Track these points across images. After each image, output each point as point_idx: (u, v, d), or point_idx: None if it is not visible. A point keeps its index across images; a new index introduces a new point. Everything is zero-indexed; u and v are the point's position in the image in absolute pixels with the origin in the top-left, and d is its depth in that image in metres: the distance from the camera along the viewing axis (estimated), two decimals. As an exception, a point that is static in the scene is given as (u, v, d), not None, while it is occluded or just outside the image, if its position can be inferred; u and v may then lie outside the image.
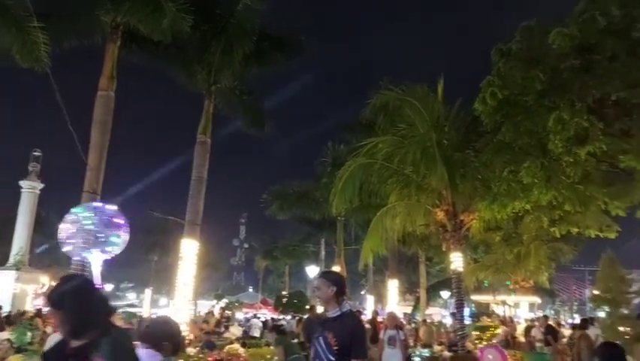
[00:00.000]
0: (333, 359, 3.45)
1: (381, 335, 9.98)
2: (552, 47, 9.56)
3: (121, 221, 7.45)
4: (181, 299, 12.10)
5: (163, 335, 2.92)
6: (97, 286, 2.31)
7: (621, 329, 14.39)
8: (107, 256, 7.39)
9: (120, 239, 7.38)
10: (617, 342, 7.08)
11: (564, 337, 16.00)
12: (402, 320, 22.35)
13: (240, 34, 13.14)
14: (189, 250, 12.34)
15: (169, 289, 31.18)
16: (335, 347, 3.45)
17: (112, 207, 7.54)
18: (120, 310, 21.64)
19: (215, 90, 13.91)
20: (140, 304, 39.32)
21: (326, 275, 3.90)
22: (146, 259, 37.28)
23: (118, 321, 13.84)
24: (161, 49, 13.13)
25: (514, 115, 10.45)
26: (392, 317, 10.26)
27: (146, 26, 10.90)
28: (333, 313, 3.64)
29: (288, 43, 14.73)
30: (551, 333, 13.33)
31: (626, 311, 16.22)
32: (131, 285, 50.29)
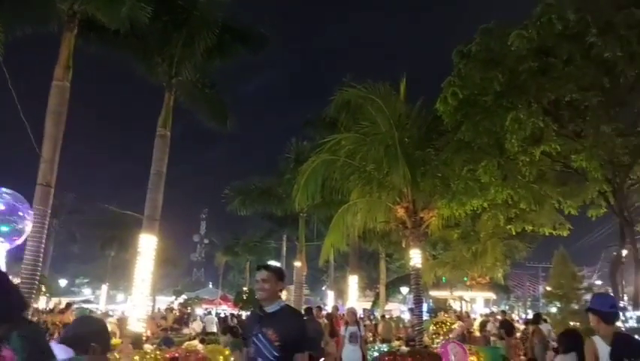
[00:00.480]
0: (277, 354, 3.37)
1: (342, 332, 9.88)
2: (511, 49, 9.82)
3: (21, 207, 7.11)
4: (138, 295, 11.84)
5: (89, 336, 2.63)
6: (9, 279, 2.18)
7: (572, 323, 14.97)
8: (8, 246, 7.04)
9: (17, 227, 7.03)
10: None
11: (518, 331, 16.52)
12: (361, 315, 22.61)
13: (202, 26, 12.91)
14: (147, 245, 12.09)
15: (126, 285, 30.54)
16: (277, 343, 3.38)
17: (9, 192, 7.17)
18: (75, 306, 21.04)
19: (176, 83, 13.63)
20: (96, 300, 38.38)
21: (274, 269, 3.72)
22: (103, 255, 36.32)
23: (71, 317, 13.47)
24: (120, 39, 12.75)
25: (473, 115, 10.68)
26: (352, 312, 10.13)
27: (103, 15, 10.56)
28: (273, 308, 3.55)
29: (251, 36, 14.58)
30: (505, 328, 13.72)
31: (576, 307, 16.89)
32: (86, 280, 48.92)
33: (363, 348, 9.48)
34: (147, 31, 12.42)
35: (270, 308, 3.56)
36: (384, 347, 11.36)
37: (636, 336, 9.28)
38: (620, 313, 11.82)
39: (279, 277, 3.62)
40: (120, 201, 29.80)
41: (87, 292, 46.98)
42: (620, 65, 9.76)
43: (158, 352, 8.81)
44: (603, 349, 3.81)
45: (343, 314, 17.00)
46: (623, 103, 11.15)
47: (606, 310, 3.94)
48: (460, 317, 21.18)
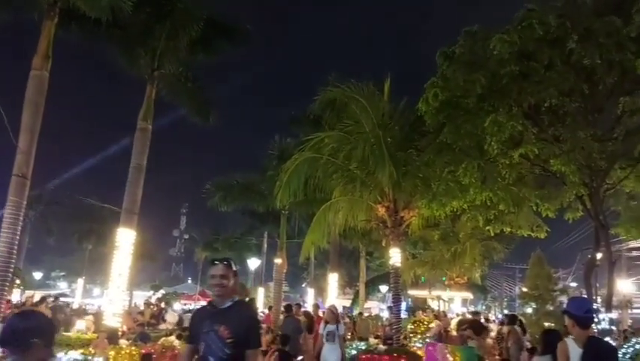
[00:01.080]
0: (228, 352, 3.26)
1: (320, 330, 9.65)
2: (493, 53, 9.91)
3: None
4: (115, 290, 11.70)
5: (29, 332, 2.34)
6: None
7: (546, 324, 15.20)
8: None
9: None
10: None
11: (492, 331, 16.71)
12: (341, 313, 22.66)
13: (186, 19, 12.79)
14: (125, 239, 11.95)
15: (103, 279, 30.13)
16: (229, 340, 3.27)
17: None
18: (50, 299, 20.69)
19: (158, 76, 13.48)
20: (72, 294, 37.84)
21: (232, 264, 3.56)
22: (80, 248, 35.81)
23: (46, 311, 13.24)
24: (101, 29, 12.56)
25: (455, 117, 10.77)
26: (332, 311, 9.90)
27: (84, 3, 10.38)
28: (226, 304, 3.42)
29: (236, 32, 14.48)
30: (473, 328, 13.84)
31: (551, 308, 17.13)
32: (62, 274, 48.19)
33: (341, 347, 9.20)
34: (129, 22, 12.25)
35: (223, 304, 3.43)
36: (362, 345, 11.39)
37: (608, 338, 9.44)
38: (594, 316, 12.07)
39: (235, 271, 3.53)
40: (99, 194, 29.43)
41: (63, 285, 46.33)
42: (599, 71, 9.93)
43: (133, 347, 8.73)
44: (575, 351, 3.88)
45: (324, 312, 17.06)
46: (601, 109, 11.34)
47: (582, 314, 4.00)
48: (437, 316, 21.38)
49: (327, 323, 9.33)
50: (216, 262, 3.51)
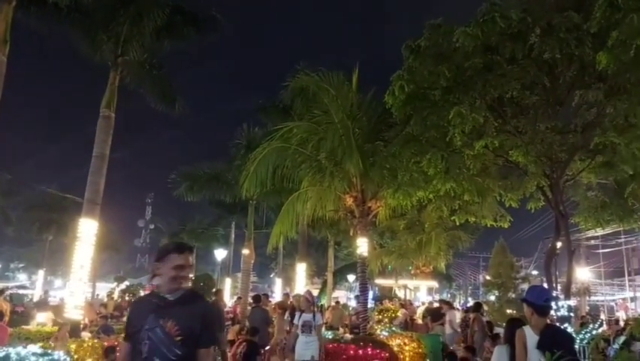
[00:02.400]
0: (179, 352, 2.76)
1: (295, 320, 8.57)
2: (457, 46, 10.04)
3: None
4: (76, 282, 11.43)
5: None
6: None
7: (508, 311, 15.64)
8: None
9: None
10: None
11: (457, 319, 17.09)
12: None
13: (151, 4, 12.51)
14: (87, 230, 11.66)
15: (65, 271, 29.42)
16: (179, 337, 2.78)
17: None
18: (9, 291, 20.12)
19: (122, 62, 13.13)
20: (32, 285, 36.88)
21: (192, 250, 3.11)
22: (40, 238, 34.84)
23: (4, 304, 12.85)
24: (62, 14, 12.19)
25: (421, 109, 10.88)
26: (307, 298, 8.51)
27: (44, -14, 10.05)
28: (175, 294, 2.91)
29: (203, 19, 14.23)
30: (431, 315, 14.19)
31: (513, 295, 17.66)
32: (22, 265, 46.86)
33: (320, 340, 8.13)
34: (92, 7, 11.91)
35: (172, 295, 2.92)
36: (329, 335, 11.48)
37: (566, 325, 9.76)
38: (554, 303, 12.47)
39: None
40: (61, 183, 28.68)
41: (22, 277, 45.12)
42: (560, 65, 10.18)
43: (95, 340, 8.58)
44: (532, 339, 4.00)
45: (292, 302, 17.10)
46: (562, 102, 11.64)
47: (540, 303, 4.13)
48: (403, 305, 21.74)
49: (302, 311, 8.27)
50: (184, 250, 2.99)
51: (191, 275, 3.12)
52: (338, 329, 14.58)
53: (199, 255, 42.04)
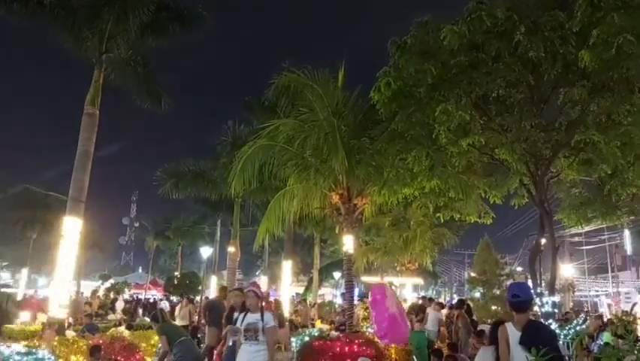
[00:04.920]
0: None
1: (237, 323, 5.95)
2: (443, 43, 10.11)
3: None
4: (61, 280, 11.31)
5: None
6: None
7: (493, 308, 15.77)
8: None
9: None
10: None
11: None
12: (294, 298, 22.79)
13: (136, 1, 12.40)
14: (72, 228, 11.54)
15: (49, 269, 29.06)
16: None
17: None
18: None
19: (106, 59, 13.02)
20: (16, 284, 36.33)
21: None
22: (24, 237, 34.33)
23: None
24: (46, 10, 12.05)
25: (407, 106, 10.94)
26: (253, 292, 5.98)
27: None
28: None
29: (188, 16, 14.14)
30: (415, 311, 14.31)
31: (497, 292, 17.79)
32: (5, 263, 46.16)
33: (271, 348, 5.77)
34: (76, 3, 11.76)
35: None
36: (315, 332, 11.50)
37: (550, 320, 9.88)
38: (537, 299, 12.62)
39: None
40: (45, 181, 28.31)
41: (6, 276, 44.45)
42: (544, 64, 10.30)
43: (81, 339, 8.50)
44: (514, 335, 4.03)
45: (275, 300, 17.11)
46: (546, 100, 11.78)
47: (509, 299, 4.19)
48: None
49: (247, 311, 5.90)
50: None
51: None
52: (306, 326, 14.71)
53: (184, 253, 41.88)
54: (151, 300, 31.67)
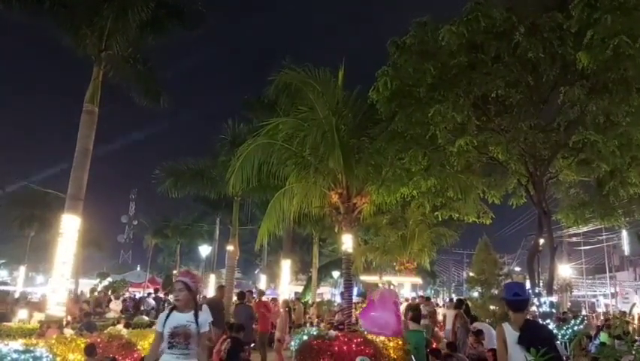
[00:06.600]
0: None
1: (158, 325, 4.47)
2: (442, 43, 10.10)
3: None
4: (59, 278, 11.29)
5: None
6: None
7: (492, 307, 15.78)
8: None
9: None
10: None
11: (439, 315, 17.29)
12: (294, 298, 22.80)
13: (135, -1, 12.38)
14: (70, 226, 11.51)
15: (47, 267, 29.02)
16: None
17: None
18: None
19: (105, 57, 12.98)
20: (13, 282, 36.31)
21: None
22: (22, 235, 34.28)
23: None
24: (45, 7, 12.01)
25: (406, 105, 10.93)
26: (184, 284, 4.32)
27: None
28: None
29: (188, 13, 14.12)
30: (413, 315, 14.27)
31: (496, 292, 17.80)
32: (3, 261, 46.10)
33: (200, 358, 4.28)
34: (75, 1, 11.70)
35: None
36: (314, 331, 11.49)
37: (548, 320, 9.87)
38: (535, 299, 12.62)
39: None
40: (43, 179, 28.25)
41: (3, 273, 44.40)
42: (543, 64, 10.30)
43: (79, 337, 8.48)
44: (511, 335, 4.02)
45: (274, 298, 17.11)
46: (545, 100, 11.78)
47: (509, 298, 4.17)
48: (388, 301, 21.79)
49: (173, 309, 4.37)
50: None
51: None
52: (301, 325, 14.70)
53: (183, 251, 41.86)
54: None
